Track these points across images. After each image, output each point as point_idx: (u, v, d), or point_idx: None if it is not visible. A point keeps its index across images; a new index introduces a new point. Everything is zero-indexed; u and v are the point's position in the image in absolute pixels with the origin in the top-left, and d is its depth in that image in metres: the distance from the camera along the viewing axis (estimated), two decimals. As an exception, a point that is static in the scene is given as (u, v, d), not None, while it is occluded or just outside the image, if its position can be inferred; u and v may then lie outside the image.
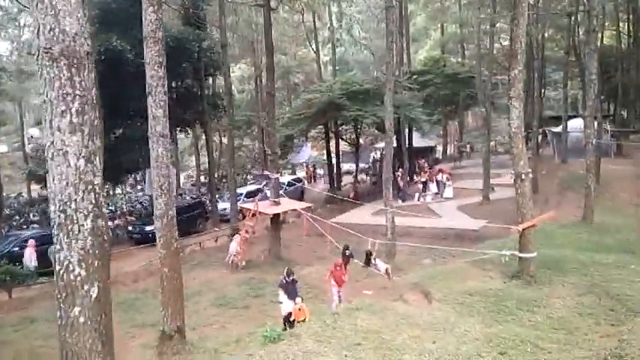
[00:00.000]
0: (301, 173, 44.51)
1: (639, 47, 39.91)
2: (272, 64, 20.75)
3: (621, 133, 35.81)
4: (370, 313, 10.26)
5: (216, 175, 37.53)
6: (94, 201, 5.29)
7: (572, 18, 33.84)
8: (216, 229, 28.36)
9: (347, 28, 43.99)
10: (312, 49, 43.56)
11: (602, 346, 8.45)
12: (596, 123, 22.94)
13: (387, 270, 17.91)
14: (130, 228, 27.97)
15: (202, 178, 43.61)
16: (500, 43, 42.70)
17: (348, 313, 10.27)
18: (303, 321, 11.76)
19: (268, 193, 30.39)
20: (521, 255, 12.98)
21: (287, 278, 13.61)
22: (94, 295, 5.19)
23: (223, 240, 24.45)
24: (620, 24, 37.60)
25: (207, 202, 32.62)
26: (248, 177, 42.73)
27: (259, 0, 20.81)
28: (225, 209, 30.66)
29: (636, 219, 20.79)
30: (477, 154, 46.53)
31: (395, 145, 38.50)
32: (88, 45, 5.30)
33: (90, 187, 5.24)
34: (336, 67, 44.24)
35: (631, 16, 37.70)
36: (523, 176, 12.75)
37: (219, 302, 16.37)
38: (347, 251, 17.05)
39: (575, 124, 33.77)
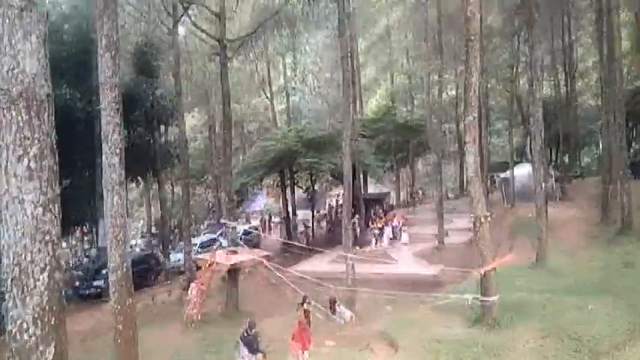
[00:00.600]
0: (255, 222, 43.91)
1: (575, 97, 42.59)
2: (228, 112, 20.67)
3: (565, 178, 37.43)
4: (338, 365, 9.93)
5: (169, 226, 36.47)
6: (51, 252, 4.89)
7: (514, 69, 35.80)
8: (169, 282, 27.27)
9: (301, 78, 44.84)
10: (267, 97, 44.00)
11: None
12: (542, 168, 23.78)
13: (352, 317, 17.62)
14: (77, 283, 26.46)
15: (153, 229, 42.27)
16: (447, 93, 44.55)
17: (315, 365, 9.91)
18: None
19: (224, 242, 29.80)
20: (483, 299, 13.02)
21: (249, 331, 13.10)
22: (50, 357, 4.71)
23: (177, 293, 23.47)
24: (558, 75, 39.92)
25: (159, 253, 31.47)
26: (201, 227, 41.76)
27: (216, 49, 20.88)
28: (178, 260, 29.65)
29: (585, 261, 21.41)
30: (428, 200, 47.60)
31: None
32: (48, 87, 5.04)
33: (47, 237, 4.86)
34: (290, 116, 44.73)
35: (567, 68, 40.33)
36: (482, 219, 12.94)
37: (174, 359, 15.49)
38: (305, 303, 16.73)
39: (521, 170, 35.05)
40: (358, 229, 31.19)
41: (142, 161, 29.72)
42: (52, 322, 4.84)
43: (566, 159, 42.63)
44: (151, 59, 27.95)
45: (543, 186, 21.46)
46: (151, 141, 29.41)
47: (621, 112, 23.28)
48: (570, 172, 40.53)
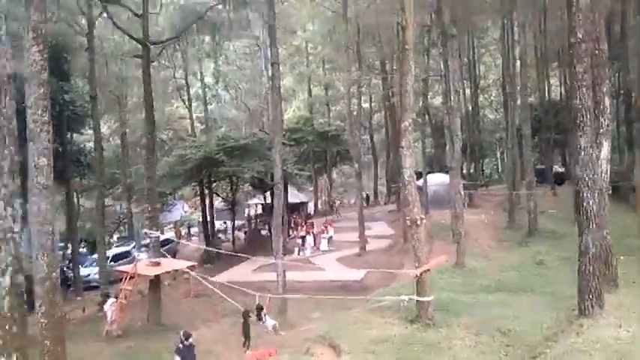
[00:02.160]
0: (170, 233, 42.25)
1: (478, 111, 45.59)
2: (152, 117, 19.81)
3: (471, 186, 39.73)
4: (288, 370, 9.74)
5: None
6: (13, 252, 4.38)
7: (423, 83, 37.64)
8: (79, 298, 25.46)
9: (223, 86, 44.05)
10: (185, 104, 42.67)
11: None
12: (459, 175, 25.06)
13: (274, 326, 17.44)
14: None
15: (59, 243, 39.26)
16: (361, 105, 45.92)
17: (265, 372, 9.64)
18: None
19: (140, 255, 28.36)
20: (419, 299, 13.41)
21: (184, 342, 12.51)
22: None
23: (93, 309, 21.96)
24: (465, 90, 42.52)
25: (66, 268, 29.22)
26: (112, 240, 39.49)
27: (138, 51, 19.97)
28: (88, 275, 27.80)
29: (500, 262, 22.81)
30: (345, 209, 48.48)
31: (270, 201, 38.92)
32: (10, 67, 4.54)
33: (9, 235, 4.35)
34: (209, 124, 43.72)
35: (472, 84, 43.09)
36: (418, 222, 13.35)
37: (99, 378, 14.44)
38: (249, 317, 16.42)
39: (433, 179, 36.72)
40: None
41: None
42: (14, 331, 4.33)
43: (472, 168, 45.28)
44: (61, 60, 26.05)
45: (462, 192, 22.59)
46: (60, 148, 27.33)
47: (527, 124, 25.26)
48: (476, 180, 43.11)
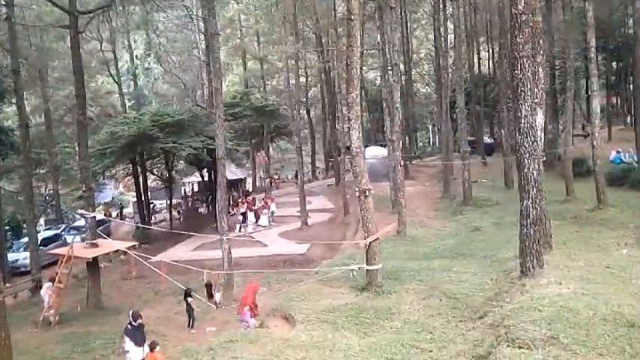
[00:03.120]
0: (99, 215, 40.50)
1: (411, 84, 46.52)
2: (82, 91, 18.65)
3: (406, 159, 40.75)
4: (248, 343, 9.68)
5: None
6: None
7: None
8: (9, 285, 23.99)
9: (155, 59, 42.08)
10: (115, 79, 40.44)
11: (472, 339, 9.29)
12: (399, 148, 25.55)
13: (219, 302, 17.37)
14: None
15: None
16: (298, 79, 45.62)
17: (224, 347, 9.52)
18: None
19: (75, 238, 27.09)
20: (369, 267, 13.68)
21: (133, 323, 12.14)
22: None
23: (24, 295, 20.81)
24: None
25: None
26: (39, 222, 37.34)
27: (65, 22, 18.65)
28: (16, 261, 26.28)
29: (438, 230, 23.70)
30: (283, 184, 48.45)
31: (207, 178, 38.15)
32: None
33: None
34: (139, 100, 41.85)
35: (405, 58, 43.73)
36: (367, 192, 13.53)
37: (41, 366, 13.76)
38: (189, 297, 16.17)
39: (370, 152, 37.27)
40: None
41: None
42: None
43: (407, 141, 46.37)
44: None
45: (401, 163, 23.09)
46: (-23, 126, 25.39)
47: (461, 97, 26.07)
48: (410, 153, 44.23)
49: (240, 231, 29.69)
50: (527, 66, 11.10)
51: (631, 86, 43.32)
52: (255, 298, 13.56)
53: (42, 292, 17.96)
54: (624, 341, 7.71)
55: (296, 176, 41.51)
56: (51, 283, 17.70)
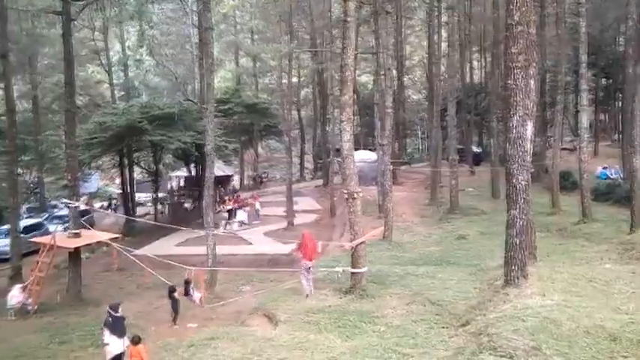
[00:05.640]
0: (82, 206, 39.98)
1: (403, 90, 46.64)
2: (72, 78, 18.41)
3: (395, 164, 40.81)
4: (229, 341, 9.58)
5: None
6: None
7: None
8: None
9: (148, 51, 41.69)
10: (105, 69, 40.02)
11: (454, 346, 9.28)
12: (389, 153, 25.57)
13: (200, 299, 17.16)
14: None
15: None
16: (291, 79, 45.55)
17: (205, 344, 9.42)
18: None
19: (57, 227, 26.67)
20: (353, 270, 13.65)
21: (113, 314, 11.91)
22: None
23: (2, 282, 20.45)
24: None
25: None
26: (22, 210, 36.78)
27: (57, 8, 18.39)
28: (-4, 248, 25.80)
29: (424, 236, 23.72)
30: (271, 184, 48.27)
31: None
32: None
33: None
34: (129, 92, 41.45)
35: (398, 64, 43.82)
36: (355, 195, 13.49)
37: (15, 355, 13.47)
38: (174, 293, 15.95)
39: (358, 156, 37.16)
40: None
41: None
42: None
43: (396, 147, 46.46)
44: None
45: (390, 168, 23.10)
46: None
47: (453, 104, 26.17)
48: (399, 158, 44.31)
49: (225, 228, 29.52)
50: (520, 77, 11.13)
51: (619, 103, 43.97)
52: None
53: (9, 294, 17.42)
54: (606, 354, 7.75)
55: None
56: (20, 286, 17.30)
